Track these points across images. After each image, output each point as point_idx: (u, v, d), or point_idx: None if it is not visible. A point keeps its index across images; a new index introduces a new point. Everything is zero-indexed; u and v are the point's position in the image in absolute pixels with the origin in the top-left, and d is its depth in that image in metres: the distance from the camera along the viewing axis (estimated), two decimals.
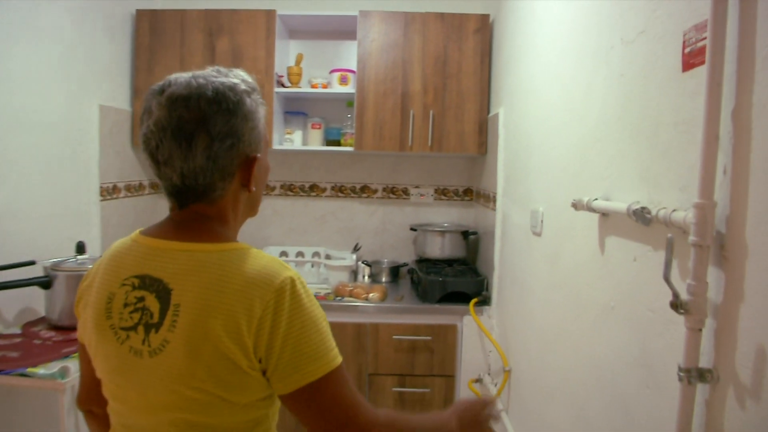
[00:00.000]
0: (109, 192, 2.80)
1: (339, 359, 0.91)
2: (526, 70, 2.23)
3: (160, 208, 3.41)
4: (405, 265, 3.29)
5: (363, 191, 3.37)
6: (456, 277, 2.80)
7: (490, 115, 2.90)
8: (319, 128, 3.14)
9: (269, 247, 3.31)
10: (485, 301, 2.72)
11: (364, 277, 3.26)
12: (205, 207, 0.96)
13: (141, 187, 3.17)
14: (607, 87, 1.43)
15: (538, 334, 1.97)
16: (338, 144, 3.14)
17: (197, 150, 0.90)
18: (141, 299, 0.90)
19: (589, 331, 1.49)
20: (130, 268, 0.93)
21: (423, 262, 3.14)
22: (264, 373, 0.89)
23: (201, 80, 0.93)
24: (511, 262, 2.41)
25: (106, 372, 0.95)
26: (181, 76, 0.94)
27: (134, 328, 0.90)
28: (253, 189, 0.99)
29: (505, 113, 2.59)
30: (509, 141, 2.51)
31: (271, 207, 3.39)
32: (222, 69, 0.98)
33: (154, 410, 0.91)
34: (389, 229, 3.39)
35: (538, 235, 1.97)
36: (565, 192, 1.72)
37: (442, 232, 3.07)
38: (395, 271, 3.23)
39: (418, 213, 3.37)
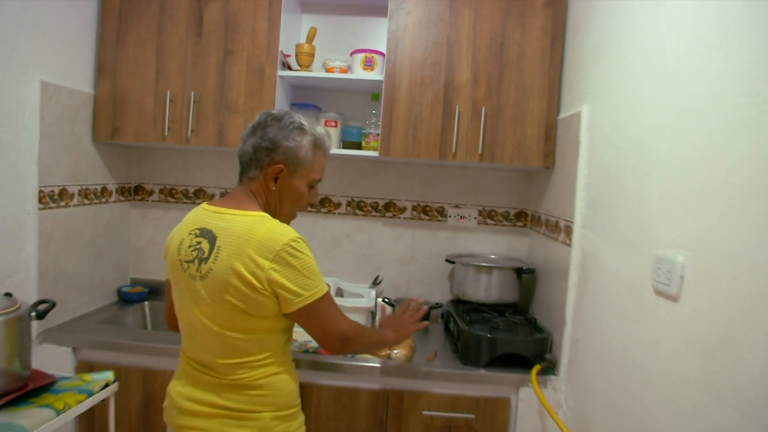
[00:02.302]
0: (53, 198, 2.11)
1: (323, 290, 1.40)
2: (638, 51, 1.51)
3: (132, 218, 2.72)
4: (438, 306, 2.55)
5: (387, 209, 2.66)
6: (511, 332, 2.07)
7: (561, 116, 2.18)
8: (335, 126, 2.44)
9: None
10: (550, 369, 1.98)
11: None
12: (248, 182, 1.47)
13: (105, 192, 2.48)
14: None
15: None
16: (358, 147, 2.44)
17: (250, 140, 1.46)
18: (198, 243, 1.39)
19: None
20: (195, 223, 1.44)
21: (461, 304, 2.41)
22: (276, 297, 1.35)
23: (285, 111, 1.51)
24: (597, 322, 1.68)
25: (176, 293, 1.46)
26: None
27: (192, 261, 1.38)
28: (272, 189, 1.46)
29: (590, 113, 1.87)
30: (597, 151, 1.78)
31: None
32: (311, 121, 1.53)
33: (205, 316, 1.37)
34: (419, 259, 2.66)
35: (672, 299, 1.24)
36: (749, 235, 0.99)
37: (490, 268, 2.34)
38: (424, 315, 2.50)
39: (456, 240, 2.65)
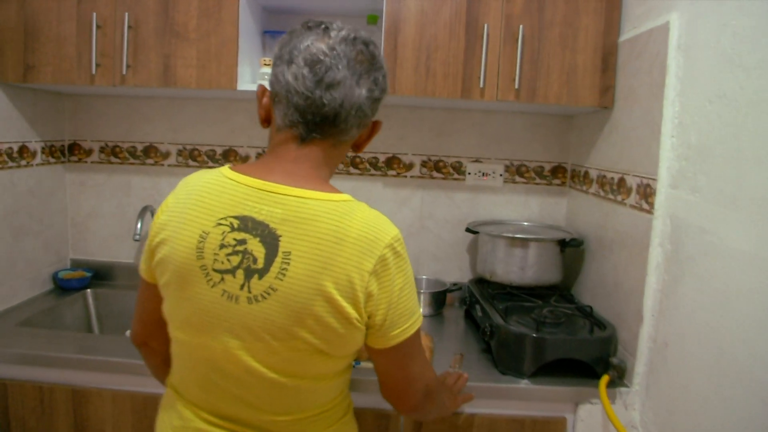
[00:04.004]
0: None
1: (421, 317, 0.97)
2: None
3: (68, 184, 2.15)
4: (456, 288, 2.04)
5: (390, 165, 2.11)
6: (562, 328, 1.55)
7: (626, 37, 1.62)
8: None
9: None
10: (619, 378, 1.48)
11: None
12: (324, 148, 0.96)
13: (25, 152, 1.90)
14: None
15: None
16: None
17: (364, 84, 0.93)
18: (242, 242, 0.88)
19: None
20: (227, 207, 0.90)
21: (489, 287, 1.89)
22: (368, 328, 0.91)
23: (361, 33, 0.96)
24: (709, 323, 1.16)
25: (189, 313, 0.92)
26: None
27: (232, 271, 0.88)
28: (359, 153, 1.11)
29: (685, 24, 1.31)
30: (704, 78, 1.24)
31: None
32: None
33: (254, 356, 0.89)
34: (430, 228, 2.13)
35: None
36: None
37: (526, 240, 1.81)
38: (439, 299, 1.99)
39: (477, 203, 2.11)
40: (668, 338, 1.32)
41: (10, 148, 1.84)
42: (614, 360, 1.48)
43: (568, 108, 1.77)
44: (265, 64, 1.80)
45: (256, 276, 0.87)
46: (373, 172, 2.10)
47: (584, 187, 1.89)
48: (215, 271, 0.89)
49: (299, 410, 0.97)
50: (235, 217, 0.89)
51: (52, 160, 2.06)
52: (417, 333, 0.96)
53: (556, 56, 1.64)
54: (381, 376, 1.01)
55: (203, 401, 0.97)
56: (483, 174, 2.08)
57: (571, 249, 1.86)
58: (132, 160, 2.14)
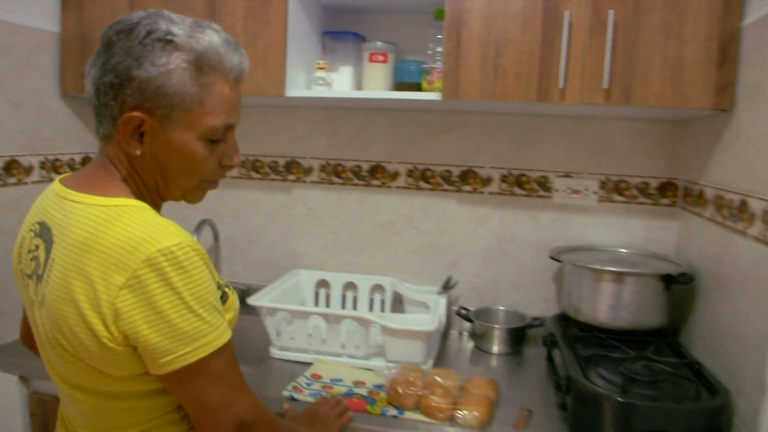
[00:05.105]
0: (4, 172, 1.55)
1: (222, 339, 0.82)
2: None
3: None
4: (537, 323, 1.75)
5: (465, 180, 1.86)
6: (659, 389, 1.23)
7: (751, 19, 1.26)
8: (384, 61, 1.67)
9: (301, 270, 1.93)
10: None
11: (461, 336, 1.81)
12: (105, 144, 0.89)
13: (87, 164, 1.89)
14: None
15: None
16: (418, 89, 1.65)
17: (91, 73, 0.85)
18: (37, 248, 0.87)
19: None
20: (36, 214, 0.90)
21: (572, 326, 1.59)
22: (135, 349, 0.79)
23: (145, 14, 0.85)
24: None
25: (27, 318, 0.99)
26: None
27: (31, 276, 0.87)
28: (136, 153, 0.85)
29: None
30: None
31: (302, 202, 1.98)
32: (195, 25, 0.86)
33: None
34: (510, 253, 1.85)
35: None
36: None
37: (620, 275, 1.49)
38: (516, 335, 1.72)
39: (566, 225, 1.80)
40: None
41: (72, 159, 1.82)
42: None
43: (678, 111, 1.44)
44: (319, 68, 1.64)
45: (39, 282, 0.85)
46: (446, 187, 1.87)
47: (698, 209, 1.53)
48: (26, 276, 0.89)
49: (109, 429, 0.88)
50: (38, 223, 0.89)
51: None
52: (210, 357, 0.81)
53: (656, 47, 1.32)
54: (181, 403, 0.87)
55: (65, 411, 0.97)
56: (573, 191, 1.77)
57: (679, 286, 1.51)
58: None
